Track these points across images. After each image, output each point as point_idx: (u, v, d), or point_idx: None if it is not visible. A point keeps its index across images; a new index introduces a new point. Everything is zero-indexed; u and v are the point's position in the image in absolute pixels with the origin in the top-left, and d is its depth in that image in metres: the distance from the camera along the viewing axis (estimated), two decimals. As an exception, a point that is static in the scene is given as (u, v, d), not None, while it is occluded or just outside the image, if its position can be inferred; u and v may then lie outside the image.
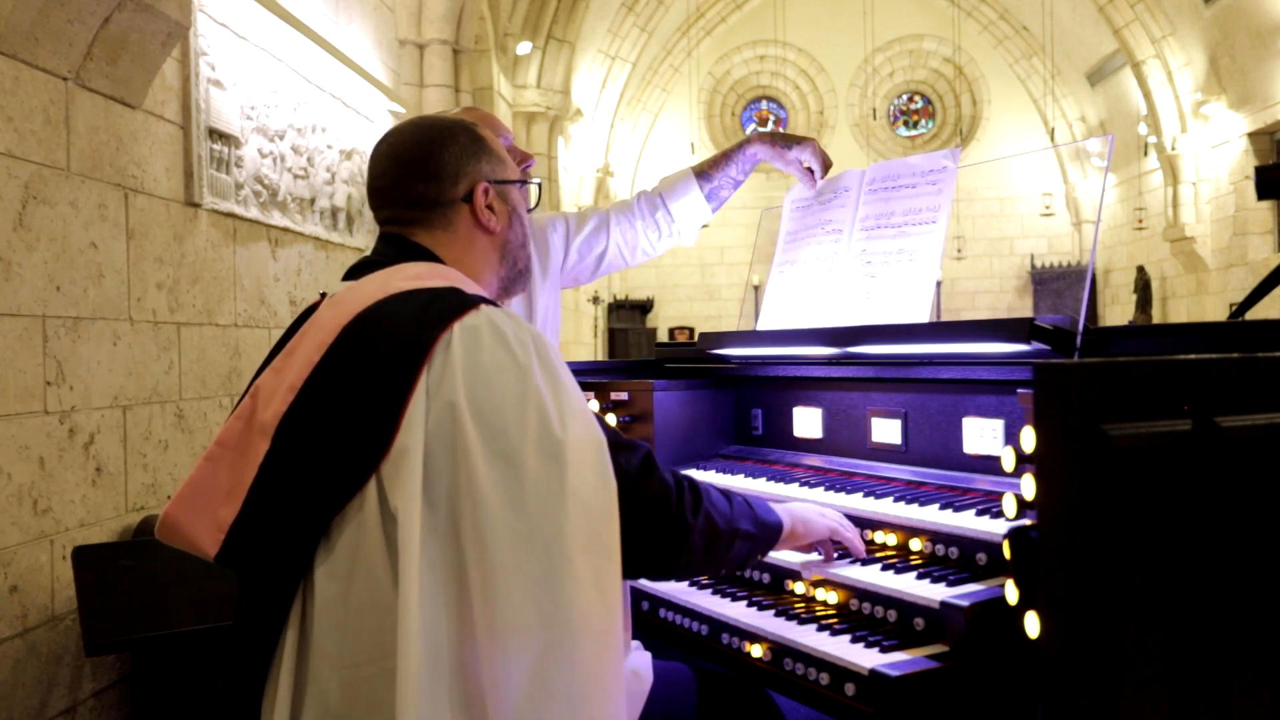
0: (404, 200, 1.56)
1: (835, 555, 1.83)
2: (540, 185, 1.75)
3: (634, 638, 1.69)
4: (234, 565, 1.39)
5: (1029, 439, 1.28)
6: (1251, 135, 11.52)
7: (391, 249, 1.54)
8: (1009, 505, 1.47)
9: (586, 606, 1.25)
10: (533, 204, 1.70)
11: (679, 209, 2.53)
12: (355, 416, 1.31)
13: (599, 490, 1.30)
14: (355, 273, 1.52)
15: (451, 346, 1.31)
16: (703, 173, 2.54)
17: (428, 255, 1.53)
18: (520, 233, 1.64)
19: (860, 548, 1.81)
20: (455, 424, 1.27)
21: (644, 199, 2.55)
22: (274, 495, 1.34)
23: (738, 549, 1.57)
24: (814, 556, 1.85)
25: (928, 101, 18.71)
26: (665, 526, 1.43)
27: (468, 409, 1.27)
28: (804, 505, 1.79)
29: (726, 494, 1.58)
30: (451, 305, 1.36)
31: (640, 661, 1.64)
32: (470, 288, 1.47)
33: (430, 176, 1.54)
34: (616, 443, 1.40)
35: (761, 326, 2.50)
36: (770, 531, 1.66)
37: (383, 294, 1.40)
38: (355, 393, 1.32)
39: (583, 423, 1.32)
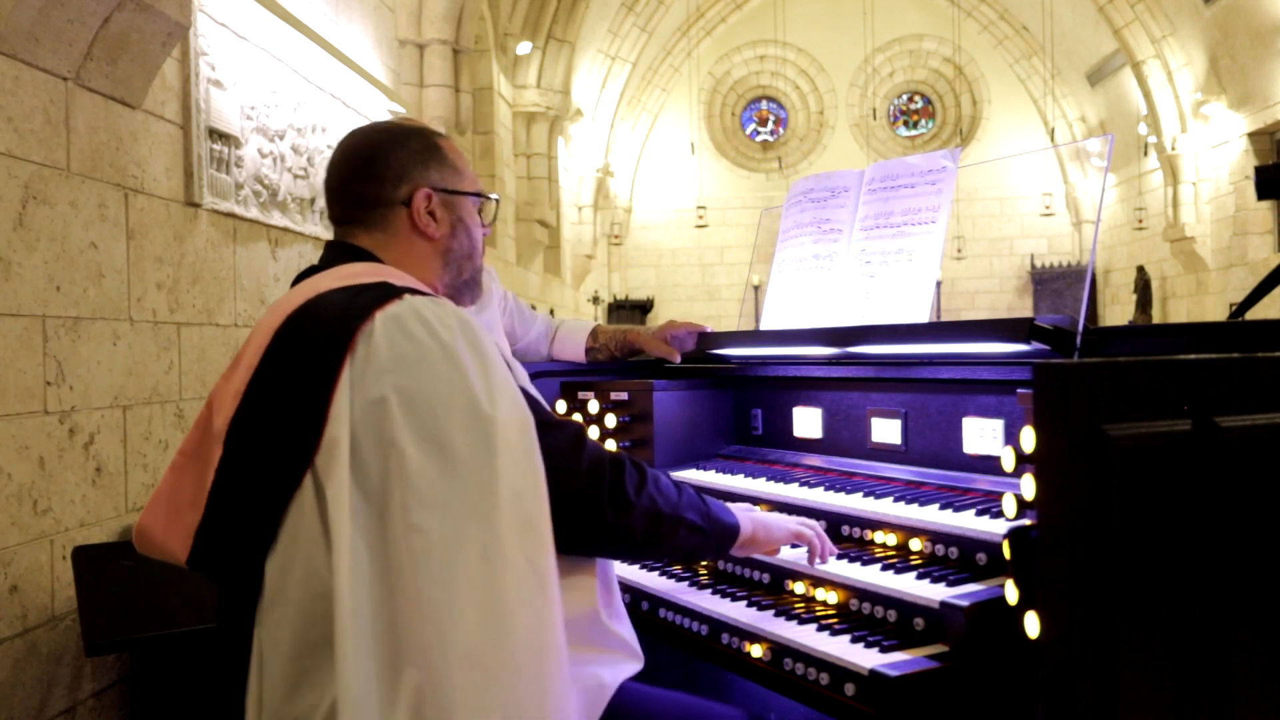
0: (347, 200, 1.59)
1: (829, 556, 1.84)
2: (497, 201, 1.75)
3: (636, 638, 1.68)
4: (204, 569, 1.44)
5: (1029, 439, 1.28)
6: (1251, 135, 11.53)
7: (335, 252, 1.58)
8: (1009, 505, 1.47)
9: (520, 583, 1.27)
10: (489, 221, 1.71)
11: (557, 349, 2.76)
12: (289, 413, 1.34)
13: (527, 469, 1.32)
14: (300, 279, 1.56)
15: (374, 336, 1.33)
16: (597, 337, 2.72)
17: (368, 257, 1.56)
18: (465, 243, 1.65)
19: (815, 560, 1.80)
20: (382, 411, 1.29)
21: (550, 323, 2.79)
22: (229, 498, 1.38)
23: (683, 537, 1.59)
24: (794, 556, 1.85)
25: (928, 101, 18.71)
26: (599, 503, 1.46)
27: (394, 396, 1.29)
28: (770, 513, 1.81)
29: (678, 485, 1.61)
30: (376, 296, 1.38)
31: (610, 675, 1.58)
32: (403, 281, 1.48)
33: (371, 178, 1.57)
34: (545, 422, 1.43)
35: (763, 327, 2.51)
36: (724, 530, 1.68)
37: (313, 293, 1.44)
38: (289, 390, 1.36)
39: (511, 402, 1.34)
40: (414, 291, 1.42)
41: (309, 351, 1.35)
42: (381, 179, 1.57)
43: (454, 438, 1.28)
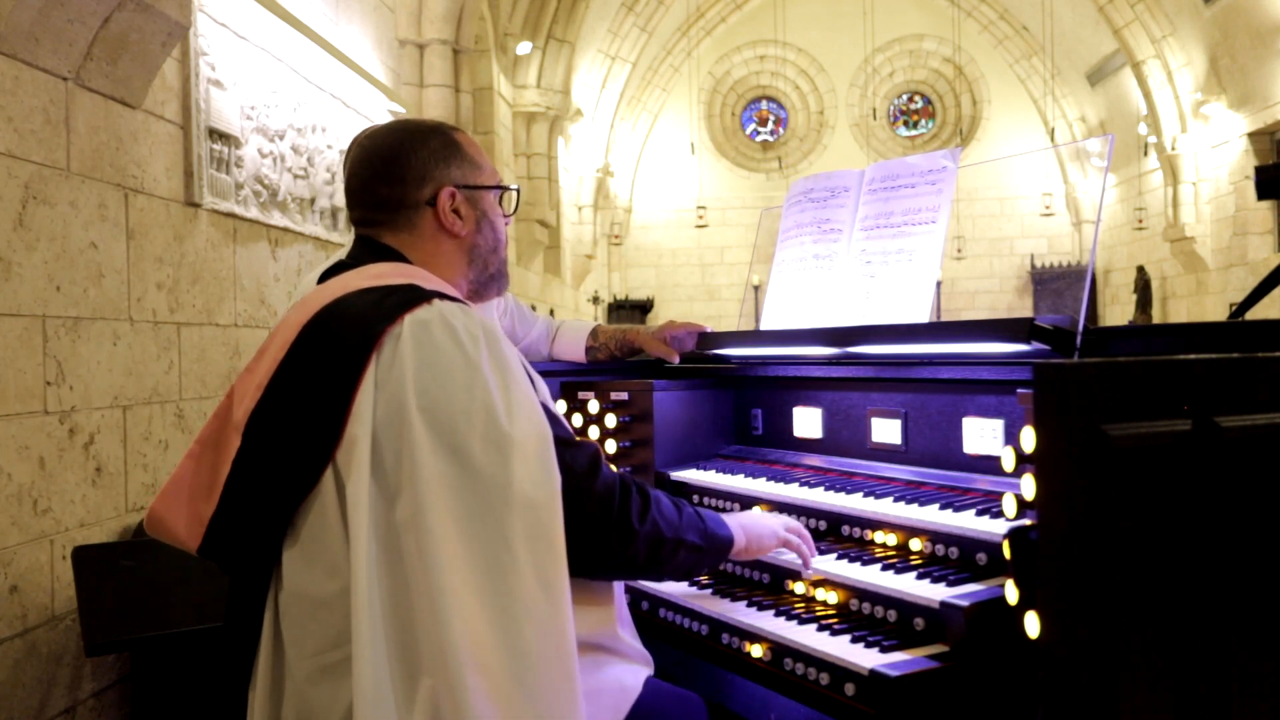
0: (370, 202, 1.58)
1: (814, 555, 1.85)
2: (519, 191, 1.75)
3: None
4: (214, 558, 1.45)
5: (1029, 439, 1.28)
6: (1251, 135, 11.52)
7: (363, 250, 1.58)
8: (1009, 505, 1.47)
9: (529, 596, 1.28)
10: (511, 210, 1.71)
11: (558, 349, 2.77)
12: (312, 408, 1.35)
13: (543, 484, 1.32)
14: (328, 275, 1.56)
15: (401, 339, 1.34)
16: (597, 336, 2.73)
17: (396, 256, 1.56)
18: (491, 237, 1.65)
19: (807, 559, 1.82)
20: (402, 415, 1.30)
21: (550, 323, 2.81)
22: (245, 489, 1.39)
23: (682, 558, 1.60)
24: (792, 557, 1.86)
25: (928, 101, 18.70)
26: (608, 528, 1.47)
27: (415, 401, 1.30)
28: (757, 520, 1.80)
29: (678, 504, 1.61)
30: (404, 299, 1.39)
31: (629, 674, 1.60)
32: (431, 284, 1.49)
33: (395, 179, 1.57)
34: (564, 440, 1.43)
35: (763, 327, 2.51)
36: (720, 544, 1.68)
37: (342, 292, 1.44)
38: (312, 386, 1.36)
39: (530, 417, 1.34)
40: (442, 296, 1.42)
41: (334, 349, 1.36)
42: (405, 180, 1.56)
43: (472, 448, 1.29)
